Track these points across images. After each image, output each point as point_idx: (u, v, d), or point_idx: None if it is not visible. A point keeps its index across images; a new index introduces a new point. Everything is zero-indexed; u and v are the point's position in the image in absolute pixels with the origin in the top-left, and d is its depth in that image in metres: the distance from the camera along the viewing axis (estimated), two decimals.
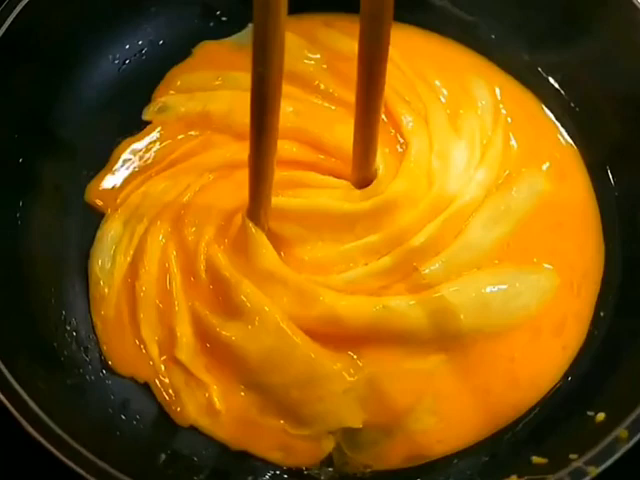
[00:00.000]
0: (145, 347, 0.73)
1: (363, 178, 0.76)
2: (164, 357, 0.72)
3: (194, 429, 0.70)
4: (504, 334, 0.72)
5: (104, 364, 0.73)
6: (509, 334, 0.72)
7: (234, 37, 0.90)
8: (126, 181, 0.81)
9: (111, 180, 0.81)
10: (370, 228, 0.75)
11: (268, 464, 0.69)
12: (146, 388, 0.72)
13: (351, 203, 0.75)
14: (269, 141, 0.65)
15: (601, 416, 0.64)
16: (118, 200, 0.79)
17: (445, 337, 0.71)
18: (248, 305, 0.71)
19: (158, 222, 0.77)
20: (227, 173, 0.80)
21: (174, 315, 0.73)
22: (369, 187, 0.76)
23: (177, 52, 0.89)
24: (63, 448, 0.60)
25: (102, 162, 0.82)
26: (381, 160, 0.76)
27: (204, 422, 0.70)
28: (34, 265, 0.75)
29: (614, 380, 0.68)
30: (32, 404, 0.61)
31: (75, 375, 0.71)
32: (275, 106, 0.61)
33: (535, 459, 0.64)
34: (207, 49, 0.90)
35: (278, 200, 0.74)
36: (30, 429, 0.60)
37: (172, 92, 0.86)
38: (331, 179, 0.78)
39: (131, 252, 0.77)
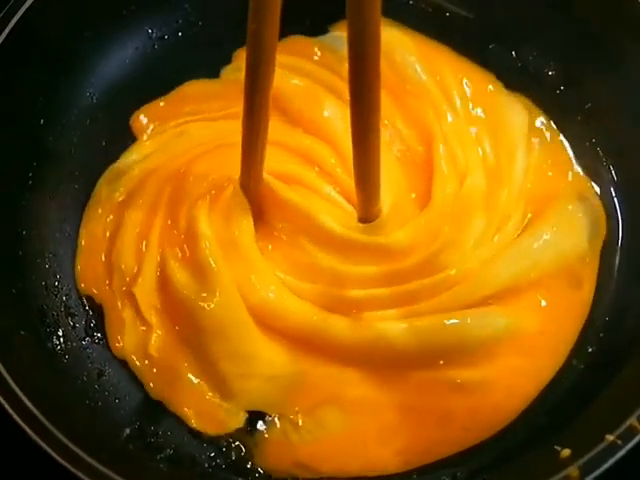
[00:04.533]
0: (111, 272, 0.76)
1: (365, 213, 0.74)
2: (124, 288, 0.75)
3: (164, 407, 0.71)
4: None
5: (87, 332, 0.75)
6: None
7: None
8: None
9: None
10: (358, 259, 0.74)
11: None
12: (124, 363, 0.73)
13: (347, 229, 0.74)
14: (261, 103, 0.64)
15: (566, 452, 0.62)
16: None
17: (382, 365, 0.71)
18: (210, 268, 0.72)
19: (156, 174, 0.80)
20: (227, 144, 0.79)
21: (145, 253, 0.76)
22: (370, 224, 0.74)
23: (181, 54, 0.89)
24: (23, 413, 0.60)
25: (101, 163, 0.82)
26: (398, 202, 0.76)
27: (135, 361, 0.72)
28: (33, 231, 0.77)
29: (586, 416, 0.67)
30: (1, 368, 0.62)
31: (56, 338, 0.73)
32: (268, 69, 0.61)
33: None
34: None
35: (273, 181, 0.75)
36: None
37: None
38: (335, 196, 0.78)
39: (130, 186, 0.79)
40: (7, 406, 0.60)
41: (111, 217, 0.79)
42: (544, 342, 0.73)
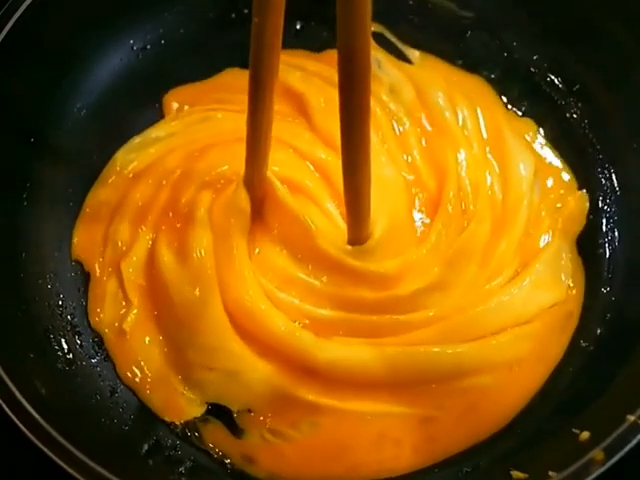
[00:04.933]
0: (106, 244, 0.78)
1: (354, 236, 0.74)
2: (113, 259, 0.77)
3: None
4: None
5: (95, 350, 0.74)
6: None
7: None
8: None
9: None
10: (339, 280, 0.74)
11: None
12: None
13: (334, 247, 0.74)
14: (265, 100, 0.65)
15: (585, 435, 0.63)
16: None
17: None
18: (198, 258, 0.73)
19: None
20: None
21: (140, 232, 0.78)
22: (357, 247, 0.74)
23: (178, 54, 0.89)
24: (43, 437, 0.60)
25: (100, 165, 0.83)
26: (396, 227, 0.76)
27: (108, 334, 0.75)
28: (31, 252, 0.76)
29: (604, 400, 0.67)
30: (16, 392, 0.61)
31: (65, 358, 0.72)
32: (272, 63, 0.62)
33: (515, 474, 0.63)
34: None
35: (276, 184, 0.75)
36: (11, 414, 0.60)
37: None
38: (334, 213, 0.78)
39: (144, 163, 0.82)
40: (25, 429, 0.60)
41: (119, 189, 0.81)
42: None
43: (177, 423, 0.71)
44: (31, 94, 0.79)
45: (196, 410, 0.71)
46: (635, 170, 0.80)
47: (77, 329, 0.75)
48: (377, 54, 0.87)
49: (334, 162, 0.79)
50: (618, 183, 0.81)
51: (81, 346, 0.74)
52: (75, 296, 0.77)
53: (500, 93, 0.87)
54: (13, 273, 0.74)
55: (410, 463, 0.69)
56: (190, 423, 0.71)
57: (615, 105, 0.82)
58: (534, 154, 0.82)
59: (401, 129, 0.83)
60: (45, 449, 0.59)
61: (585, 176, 0.82)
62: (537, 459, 0.65)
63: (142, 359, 0.73)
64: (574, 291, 0.76)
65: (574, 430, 0.64)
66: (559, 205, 0.80)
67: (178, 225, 0.77)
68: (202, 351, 0.71)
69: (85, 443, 0.61)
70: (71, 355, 0.73)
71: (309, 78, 0.86)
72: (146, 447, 0.69)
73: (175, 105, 0.86)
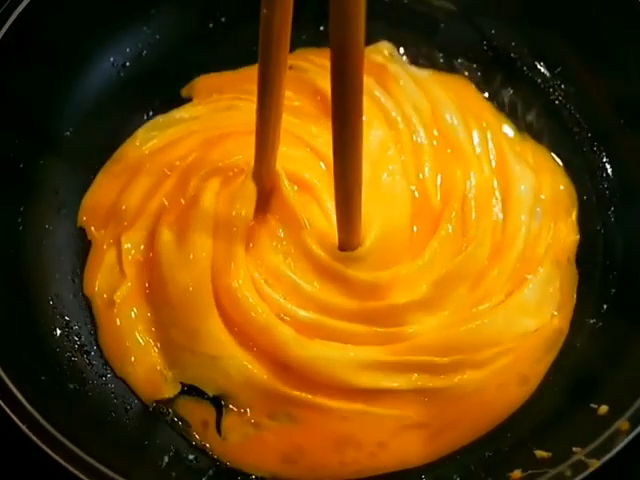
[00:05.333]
0: (112, 215, 0.80)
1: (344, 242, 0.74)
2: (116, 232, 0.79)
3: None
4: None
5: (105, 368, 0.74)
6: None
7: None
8: None
9: None
10: (323, 282, 0.75)
11: None
12: None
13: (324, 250, 0.75)
14: (273, 93, 0.65)
15: (604, 408, 0.64)
16: None
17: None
18: (196, 241, 0.75)
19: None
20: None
21: (145, 209, 0.79)
22: (346, 253, 0.74)
23: (176, 54, 0.89)
24: (68, 457, 0.60)
25: (101, 164, 0.83)
26: (391, 237, 0.76)
27: (97, 303, 0.76)
28: (32, 270, 0.76)
29: (618, 372, 0.68)
30: (35, 412, 0.61)
31: (76, 378, 0.72)
32: (280, 56, 0.62)
33: (539, 453, 0.63)
34: None
35: (283, 181, 0.76)
36: (35, 438, 0.60)
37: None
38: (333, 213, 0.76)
39: (163, 142, 0.83)
40: (51, 452, 0.59)
41: (134, 165, 0.82)
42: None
43: (150, 404, 0.72)
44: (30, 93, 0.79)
45: (171, 390, 0.72)
46: (625, 149, 0.81)
47: (85, 348, 0.74)
48: (398, 67, 0.88)
49: None
50: (609, 163, 0.82)
51: (91, 364, 0.73)
52: (80, 316, 0.76)
53: (483, 82, 0.88)
54: (16, 298, 0.73)
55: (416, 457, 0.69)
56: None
57: (599, 84, 0.83)
58: (535, 173, 0.81)
59: (418, 141, 0.83)
60: (71, 468, 0.59)
61: (574, 157, 0.83)
62: (559, 437, 0.65)
63: (126, 332, 0.74)
64: (561, 315, 0.75)
65: (592, 405, 0.65)
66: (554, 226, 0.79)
67: (183, 207, 0.78)
68: (185, 332, 0.72)
69: (107, 459, 0.61)
70: (81, 374, 0.72)
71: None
72: (166, 459, 0.68)
73: (203, 89, 0.87)
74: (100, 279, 0.77)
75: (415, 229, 0.79)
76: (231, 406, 0.71)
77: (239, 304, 0.72)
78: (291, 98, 0.84)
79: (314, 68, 0.87)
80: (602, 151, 0.83)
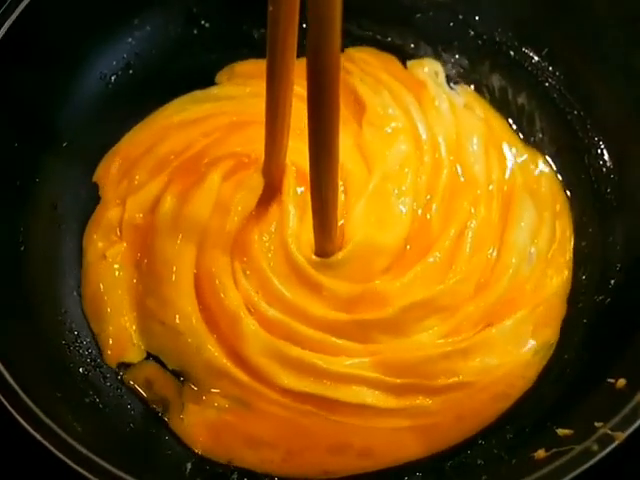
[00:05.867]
0: (125, 176, 0.82)
1: (319, 247, 0.74)
2: (124, 193, 0.81)
3: None
4: None
5: (119, 381, 0.73)
6: None
7: None
8: None
9: None
10: (290, 282, 0.75)
11: None
12: None
13: (300, 251, 0.75)
14: (281, 90, 0.65)
15: (622, 382, 0.64)
16: None
17: None
18: (192, 217, 0.77)
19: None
20: None
21: (158, 177, 0.81)
22: (322, 259, 0.75)
23: (163, 65, 0.89)
24: (93, 469, 0.59)
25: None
26: (377, 246, 0.76)
27: (89, 254, 0.79)
28: (38, 287, 0.75)
29: (632, 345, 0.68)
30: (56, 428, 0.61)
31: (92, 393, 0.71)
32: (287, 54, 0.62)
33: (561, 431, 0.63)
34: None
35: (288, 178, 0.78)
36: (59, 454, 0.59)
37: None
38: None
39: (192, 117, 0.85)
40: (74, 464, 0.59)
41: (160, 132, 0.84)
42: None
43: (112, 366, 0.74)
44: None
45: (136, 355, 0.74)
46: (618, 125, 0.82)
47: (96, 361, 0.74)
48: (438, 88, 0.87)
49: (359, 174, 0.80)
50: (603, 142, 0.83)
51: (104, 378, 0.73)
52: (89, 330, 0.76)
53: (471, 69, 0.89)
54: (28, 316, 0.73)
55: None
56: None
57: (587, 62, 0.84)
58: (538, 213, 0.80)
59: (438, 165, 0.82)
60: None
61: (568, 137, 0.84)
62: (578, 414, 0.65)
63: (108, 288, 0.77)
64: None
65: (609, 380, 0.65)
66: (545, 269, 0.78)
67: (191, 181, 0.80)
68: (160, 303, 0.75)
69: (134, 470, 0.61)
70: (97, 388, 0.72)
71: (378, 90, 0.86)
72: (189, 466, 0.68)
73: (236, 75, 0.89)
74: (99, 234, 0.79)
75: (408, 247, 0.78)
76: (192, 385, 0.72)
77: (214, 288, 0.74)
78: None
79: (359, 72, 0.88)
80: (596, 130, 0.83)
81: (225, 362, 0.71)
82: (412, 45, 0.91)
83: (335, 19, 0.51)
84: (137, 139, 0.84)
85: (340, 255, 0.75)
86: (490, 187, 0.81)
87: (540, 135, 0.85)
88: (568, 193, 0.82)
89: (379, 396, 0.70)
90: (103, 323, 0.75)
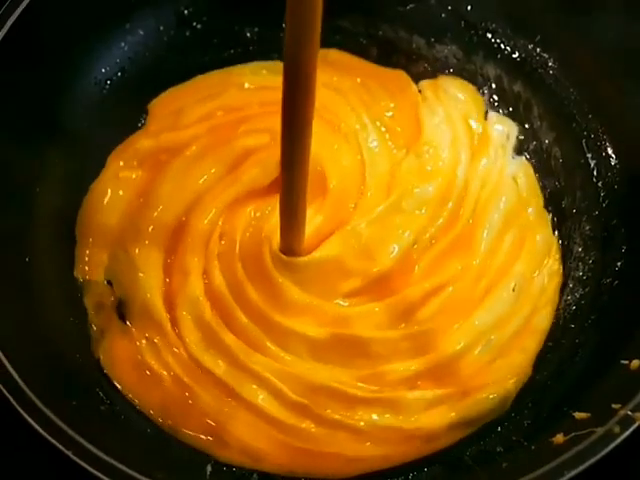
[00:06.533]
0: (176, 113, 0.85)
1: (285, 245, 0.74)
2: (166, 128, 0.84)
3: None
4: None
5: None
6: None
7: None
8: None
9: None
10: (256, 278, 0.76)
11: None
12: None
13: (271, 244, 0.75)
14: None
15: (636, 363, 0.64)
16: None
17: None
18: (196, 174, 0.80)
19: None
20: None
21: (199, 124, 0.84)
22: (288, 257, 0.74)
23: (157, 67, 0.89)
24: (116, 475, 0.60)
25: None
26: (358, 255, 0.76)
27: (107, 170, 0.82)
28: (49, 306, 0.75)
29: None
30: (82, 441, 0.61)
31: (106, 401, 0.71)
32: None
33: (578, 415, 0.64)
34: None
35: None
36: (82, 463, 0.60)
37: None
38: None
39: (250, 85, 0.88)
40: (97, 471, 0.59)
41: (222, 87, 0.87)
42: None
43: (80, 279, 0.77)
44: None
45: (99, 275, 0.78)
46: (614, 108, 0.82)
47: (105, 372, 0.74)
48: (499, 150, 0.84)
49: (375, 197, 0.80)
50: (602, 127, 0.83)
51: (115, 389, 0.73)
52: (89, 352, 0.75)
53: (466, 60, 0.89)
54: (39, 329, 0.72)
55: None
56: None
57: (580, 46, 0.84)
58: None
59: (453, 220, 0.80)
60: None
61: (566, 123, 0.85)
62: (594, 397, 0.66)
63: (105, 209, 0.80)
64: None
65: (622, 361, 0.65)
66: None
67: (222, 139, 0.82)
68: (133, 236, 0.78)
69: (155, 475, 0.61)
70: (110, 398, 0.71)
71: (442, 129, 0.85)
72: (210, 469, 0.68)
73: None
74: (124, 156, 0.83)
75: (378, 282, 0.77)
76: (129, 323, 0.75)
77: (185, 243, 0.77)
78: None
79: (434, 99, 0.87)
80: (594, 114, 0.83)
81: (160, 310, 0.74)
82: (405, 38, 0.91)
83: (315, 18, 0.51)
84: (202, 84, 0.87)
85: (305, 259, 0.75)
86: (478, 261, 0.78)
87: (538, 122, 0.86)
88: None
89: (273, 403, 0.70)
90: (88, 237, 0.79)
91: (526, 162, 0.84)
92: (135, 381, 0.73)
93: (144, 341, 0.74)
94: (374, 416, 0.70)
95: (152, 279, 0.76)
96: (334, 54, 0.89)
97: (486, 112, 0.87)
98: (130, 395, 0.72)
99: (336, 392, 0.70)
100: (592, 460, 0.57)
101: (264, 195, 0.79)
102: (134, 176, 0.82)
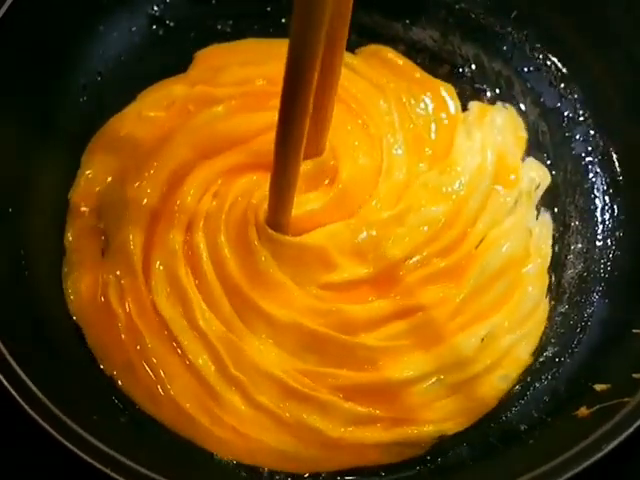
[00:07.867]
0: (212, 68, 0.86)
1: (272, 219, 0.73)
2: (200, 80, 0.84)
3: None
4: None
5: None
6: None
7: None
8: None
9: None
10: (240, 250, 0.75)
11: None
12: None
13: (257, 215, 0.75)
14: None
15: None
16: None
17: None
18: (213, 137, 0.80)
19: None
20: None
21: (230, 87, 0.84)
22: (273, 232, 0.74)
23: (134, 69, 0.88)
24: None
25: None
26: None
27: (107, 129, 0.83)
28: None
29: None
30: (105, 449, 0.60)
31: (124, 412, 0.70)
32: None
33: (598, 386, 0.65)
34: None
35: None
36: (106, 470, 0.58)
37: None
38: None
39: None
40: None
41: (269, 55, 0.85)
42: None
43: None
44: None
45: (91, 202, 0.79)
46: (595, 77, 0.84)
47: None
48: (524, 206, 0.82)
49: (381, 205, 0.78)
50: (584, 96, 0.84)
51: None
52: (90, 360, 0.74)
53: (444, 42, 0.89)
54: (51, 341, 0.71)
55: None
56: None
57: (558, 18, 0.85)
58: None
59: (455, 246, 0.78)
60: None
61: (549, 97, 0.86)
62: (613, 368, 0.67)
63: (116, 142, 0.81)
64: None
65: (634, 330, 0.67)
66: None
67: (248, 108, 0.82)
68: (132, 177, 0.78)
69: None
70: (128, 410, 0.71)
71: (474, 154, 0.82)
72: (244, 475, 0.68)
73: None
74: (155, 96, 0.84)
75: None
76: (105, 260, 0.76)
77: (177, 195, 0.77)
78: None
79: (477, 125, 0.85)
80: (575, 79, 0.85)
81: (137, 253, 0.75)
82: (379, 22, 0.90)
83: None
84: (253, 48, 0.88)
85: (290, 238, 0.74)
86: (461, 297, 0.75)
87: (522, 98, 0.86)
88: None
89: (211, 368, 0.71)
90: (93, 161, 0.81)
91: (549, 221, 0.81)
92: (91, 312, 0.74)
93: (112, 277, 0.74)
94: (303, 414, 0.69)
95: (139, 220, 0.76)
96: (388, 53, 0.88)
97: (525, 154, 0.84)
98: (85, 329, 0.73)
99: (276, 379, 0.70)
100: (629, 430, 0.58)
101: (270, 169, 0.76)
102: (155, 115, 0.83)
